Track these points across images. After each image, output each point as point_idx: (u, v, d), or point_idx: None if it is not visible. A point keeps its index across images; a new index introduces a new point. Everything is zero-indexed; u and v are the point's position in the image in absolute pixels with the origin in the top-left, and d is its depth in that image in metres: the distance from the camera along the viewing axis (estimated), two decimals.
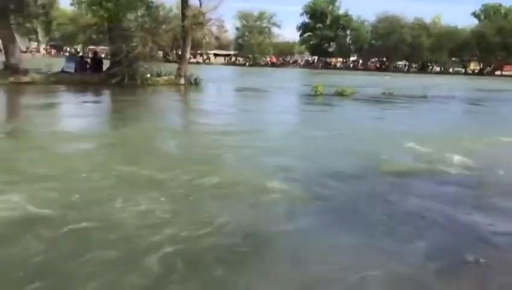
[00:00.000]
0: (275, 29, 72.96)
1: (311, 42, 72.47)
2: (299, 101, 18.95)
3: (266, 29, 71.71)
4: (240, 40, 72.30)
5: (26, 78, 18.51)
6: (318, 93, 19.54)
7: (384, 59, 72.21)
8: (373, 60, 74.41)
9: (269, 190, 5.23)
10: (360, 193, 5.40)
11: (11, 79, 18.01)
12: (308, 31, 72.77)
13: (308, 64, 73.87)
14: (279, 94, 21.49)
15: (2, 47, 20.74)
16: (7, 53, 19.10)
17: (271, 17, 71.55)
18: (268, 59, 73.00)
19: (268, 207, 4.73)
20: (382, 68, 68.03)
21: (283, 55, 77.64)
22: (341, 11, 72.53)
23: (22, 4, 20.14)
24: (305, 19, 73.48)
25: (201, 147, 7.95)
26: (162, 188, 5.07)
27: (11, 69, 18.64)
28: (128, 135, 8.85)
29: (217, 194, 5.04)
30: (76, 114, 12.00)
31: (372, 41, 70.40)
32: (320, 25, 70.82)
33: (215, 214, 4.33)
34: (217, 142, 8.14)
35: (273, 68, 61.98)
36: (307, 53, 79.22)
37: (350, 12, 72.35)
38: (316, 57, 76.27)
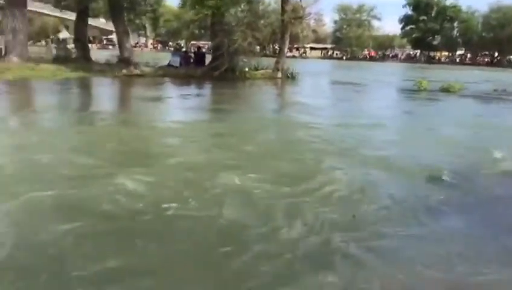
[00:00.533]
0: (374, 22, 71.05)
1: (414, 35, 68.33)
2: (403, 96, 17.93)
3: (365, 22, 69.87)
4: (337, 33, 71.30)
5: (136, 71, 19.97)
6: (422, 88, 18.53)
7: (496, 53, 66.21)
8: (483, 53, 68.58)
9: (404, 181, 5.31)
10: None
11: (124, 71, 19.56)
12: (411, 24, 68.74)
13: (409, 58, 70.27)
14: (379, 89, 20.71)
15: (117, 42, 22.67)
16: (121, 47, 20.86)
17: (371, 10, 69.85)
18: (366, 53, 70.85)
19: (405, 202, 4.61)
20: (493, 63, 62.51)
21: (382, 49, 74.70)
22: (448, 2, 67.73)
23: (134, 2, 21.77)
24: (408, 10, 69.59)
25: (315, 137, 7.90)
26: (298, 177, 5.17)
27: (124, 62, 20.29)
28: (237, 126, 9.10)
29: (355, 185, 5.02)
30: (185, 105, 12.57)
31: (483, 34, 64.72)
32: (425, 17, 66.61)
33: (353, 206, 4.35)
34: (329, 135, 8.23)
35: (372, 62, 60.03)
36: (408, 46, 75.30)
37: (459, 3, 67.43)
38: (419, 51, 72.08)
